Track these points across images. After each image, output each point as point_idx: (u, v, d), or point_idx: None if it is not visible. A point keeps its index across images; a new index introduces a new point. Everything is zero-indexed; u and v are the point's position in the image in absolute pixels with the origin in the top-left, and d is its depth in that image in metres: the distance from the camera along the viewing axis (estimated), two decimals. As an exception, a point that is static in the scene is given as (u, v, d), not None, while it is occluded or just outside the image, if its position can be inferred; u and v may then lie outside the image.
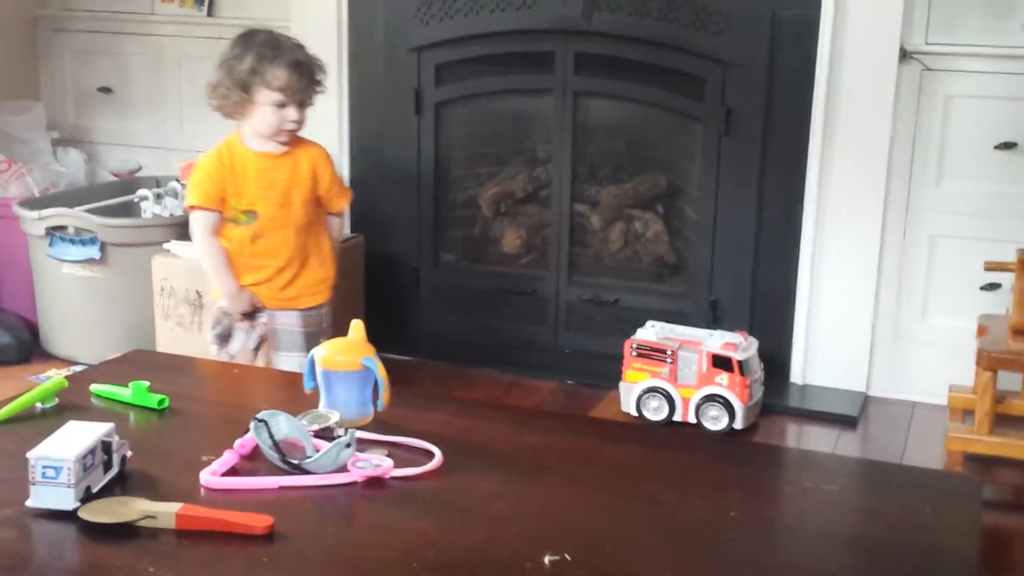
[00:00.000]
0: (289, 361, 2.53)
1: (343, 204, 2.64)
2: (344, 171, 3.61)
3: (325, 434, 1.55)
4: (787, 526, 1.45)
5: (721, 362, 2.90)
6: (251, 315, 2.54)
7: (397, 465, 1.49)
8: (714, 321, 3.29)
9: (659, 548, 1.33)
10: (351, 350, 1.67)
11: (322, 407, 1.63)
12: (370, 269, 3.51)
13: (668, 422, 2.96)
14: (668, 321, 3.11)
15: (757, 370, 3.00)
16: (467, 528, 1.36)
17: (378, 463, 1.48)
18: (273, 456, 1.47)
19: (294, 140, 2.51)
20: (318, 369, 1.65)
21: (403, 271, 3.61)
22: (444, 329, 3.60)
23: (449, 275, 3.64)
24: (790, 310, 3.25)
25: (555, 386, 3.30)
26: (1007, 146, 3.06)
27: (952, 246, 3.16)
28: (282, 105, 2.42)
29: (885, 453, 2.85)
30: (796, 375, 3.26)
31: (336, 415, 1.60)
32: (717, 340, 2.95)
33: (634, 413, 2.99)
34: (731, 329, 3.10)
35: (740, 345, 2.94)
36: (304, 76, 2.44)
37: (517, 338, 3.51)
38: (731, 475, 1.56)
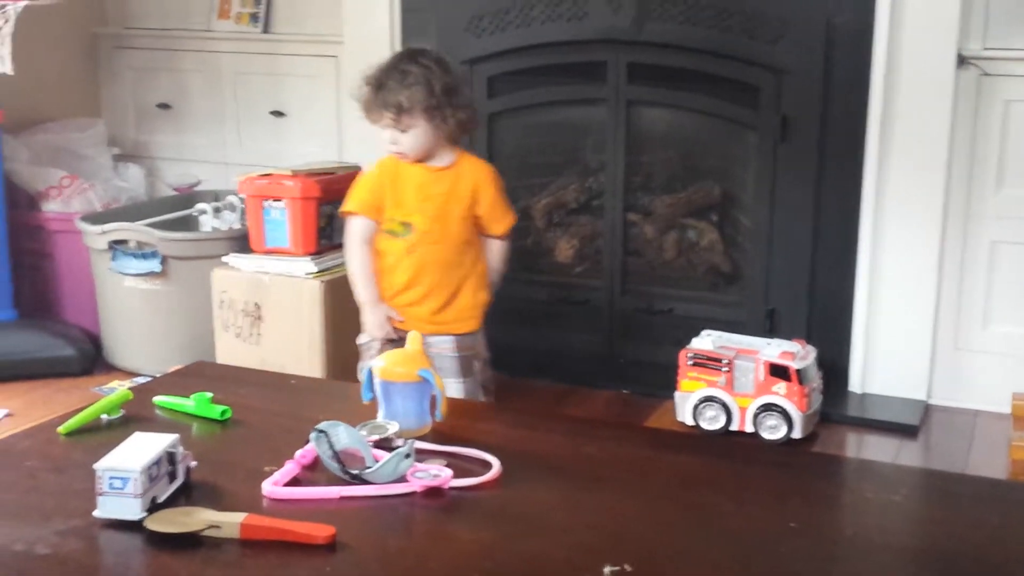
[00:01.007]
0: (452, 387, 2.46)
1: (503, 228, 2.53)
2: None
3: (384, 445, 1.57)
4: (849, 537, 1.43)
5: (778, 371, 2.88)
6: (392, 343, 2.44)
7: (456, 475, 1.49)
8: (771, 330, 3.26)
9: (719, 560, 1.33)
10: (409, 361, 1.68)
11: (381, 418, 1.65)
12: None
13: (725, 432, 2.94)
14: (724, 330, 3.09)
15: (815, 379, 2.97)
16: (526, 538, 1.37)
17: (437, 473, 1.49)
18: (333, 466, 1.49)
19: (460, 157, 2.48)
20: (376, 380, 1.66)
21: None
22: (498, 339, 3.57)
23: (503, 286, 3.63)
24: (848, 318, 3.21)
25: (610, 396, 3.29)
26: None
27: (1013, 252, 3.11)
28: (386, 128, 2.40)
29: (947, 463, 2.81)
30: (855, 384, 3.23)
31: (395, 426, 1.61)
32: (774, 349, 2.93)
33: (690, 423, 2.97)
34: (788, 338, 3.07)
35: (798, 354, 2.92)
36: (380, 101, 2.38)
37: (571, 348, 3.51)
38: (791, 485, 1.55)
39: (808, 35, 3.12)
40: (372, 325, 2.48)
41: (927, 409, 3.15)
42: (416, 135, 2.40)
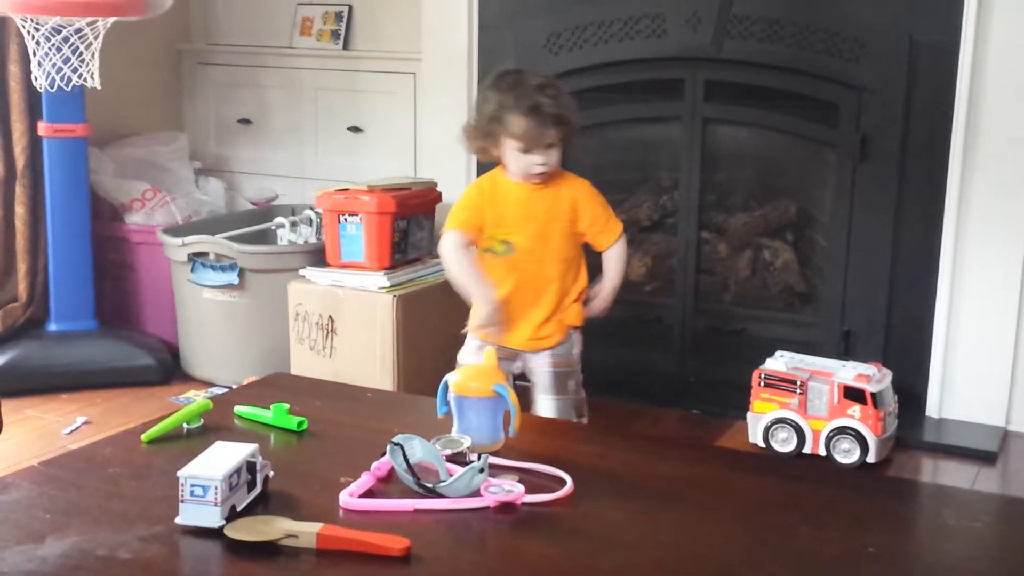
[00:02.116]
0: (546, 404, 2.45)
1: (611, 239, 2.45)
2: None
3: (458, 459, 1.58)
4: (928, 563, 1.41)
5: (853, 394, 2.83)
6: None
7: (528, 491, 1.50)
8: (846, 352, 3.21)
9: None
10: (483, 377, 1.69)
11: (455, 432, 1.66)
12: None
13: (797, 454, 2.90)
14: (798, 351, 3.05)
15: (891, 402, 2.92)
16: (598, 556, 1.37)
17: (510, 488, 1.50)
18: (408, 479, 1.50)
19: (556, 174, 2.41)
20: (451, 395, 1.68)
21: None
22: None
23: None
24: (927, 341, 3.16)
25: (680, 415, 3.27)
26: None
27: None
28: (526, 151, 2.31)
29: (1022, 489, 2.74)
30: (932, 408, 3.17)
31: (468, 440, 1.62)
32: (849, 371, 2.89)
33: (762, 444, 2.94)
34: (864, 360, 3.02)
35: (873, 376, 2.87)
36: (544, 121, 2.29)
37: (642, 366, 3.49)
38: (868, 509, 1.53)
39: (890, 52, 3.08)
40: (482, 315, 2.33)
41: (1007, 435, 3.07)
42: (558, 151, 2.36)
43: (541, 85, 2.34)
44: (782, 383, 2.90)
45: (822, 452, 2.88)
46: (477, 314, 2.37)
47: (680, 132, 3.45)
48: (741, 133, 3.51)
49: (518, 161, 2.33)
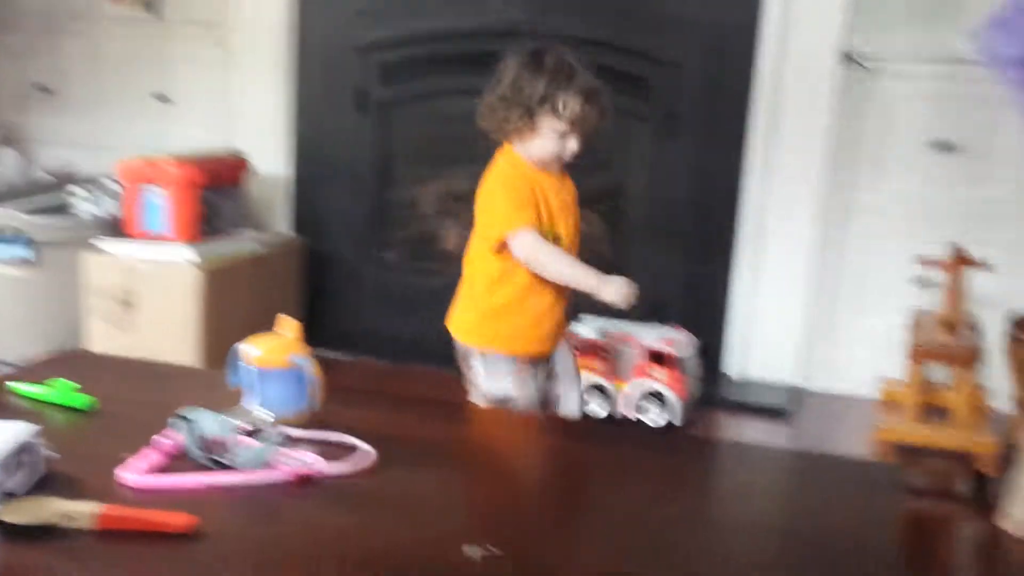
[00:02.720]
0: (572, 393, 2.29)
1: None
2: (286, 171, 3.59)
3: (255, 432, 1.55)
4: (715, 518, 1.46)
5: (658, 357, 2.92)
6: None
7: (329, 462, 1.48)
8: (652, 317, 3.31)
9: (588, 540, 1.34)
10: (283, 348, 1.66)
11: (253, 405, 1.63)
12: (313, 268, 3.50)
13: (607, 418, 2.97)
14: (607, 317, 3.13)
15: (694, 365, 3.02)
16: (396, 523, 1.36)
17: (308, 461, 1.48)
18: (197, 454, 1.46)
19: None
20: (251, 367, 1.64)
21: (346, 270, 3.60)
22: (387, 327, 3.59)
23: (390, 273, 3.63)
24: (728, 307, 3.29)
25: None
26: (942, 147, 3.12)
27: (888, 245, 3.21)
28: (565, 134, 2.13)
29: (819, 445, 2.89)
30: (733, 370, 3.30)
31: (268, 413, 1.59)
32: (654, 335, 2.98)
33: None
34: (669, 325, 3.12)
35: (677, 341, 2.97)
36: (596, 106, 2.14)
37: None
38: (663, 468, 1.58)
39: (697, 31, 3.18)
40: (617, 294, 2.11)
41: (801, 394, 3.24)
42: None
43: (587, 68, 2.15)
44: (591, 348, 2.97)
45: (631, 415, 2.96)
46: (608, 294, 2.11)
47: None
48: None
49: (555, 144, 2.12)
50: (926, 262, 2.82)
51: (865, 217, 3.23)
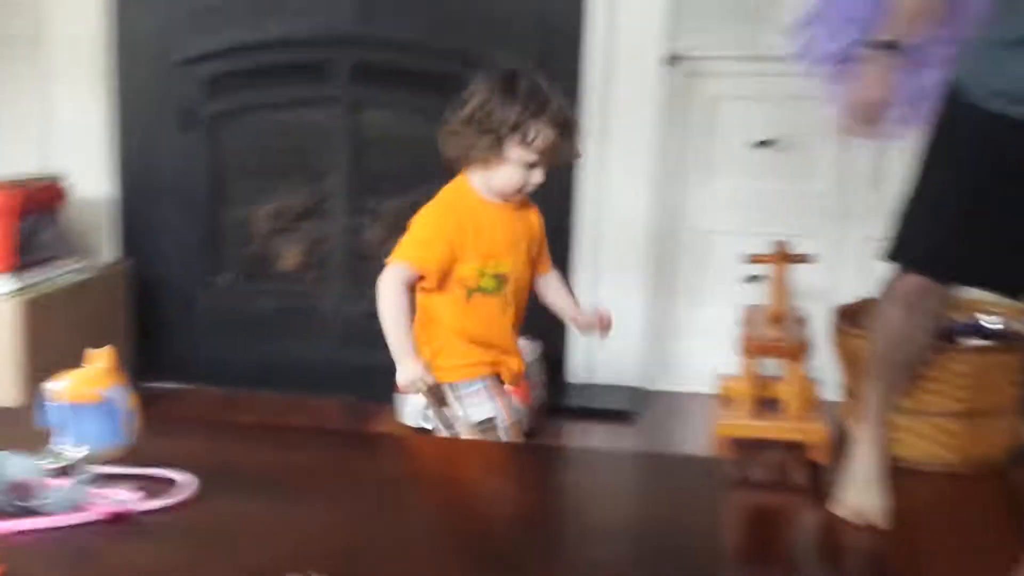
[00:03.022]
0: None
1: (549, 262, 2.22)
2: (111, 192, 3.45)
3: (65, 472, 1.46)
4: (547, 522, 1.45)
5: (502, 367, 2.91)
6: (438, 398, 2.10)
7: (148, 497, 1.41)
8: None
9: (423, 556, 1.32)
10: (93, 381, 1.58)
11: (64, 443, 1.54)
12: (143, 294, 3.37)
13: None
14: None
15: (538, 373, 3.03)
16: (216, 556, 1.31)
17: (123, 498, 1.41)
18: (2, 499, 1.37)
19: None
20: (61, 403, 1.56)
21: (178, 294, 3.48)
22: (221, 353, 3.48)
23: (226, 296, 3.53)
24: (569, 312, 3.31)
25: (340, 403, 3.24)
26: (766, 144, 3.21)
27: (720, 240, 3.29)
28: (533, 165, 2.01)
29: (664, 445, 2.94)
30: (576, 375, 3.33)
31: (79, 450, 1.51)
32: (498, 346, 2.96)
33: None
34: (514, 334, 3.12)
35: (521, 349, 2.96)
36: (569, 138, 2.04)
37: (298, 357, 3.44)
38: (503, 476, 1.56)
39: (525, 35, 3.19)
40: (410, 379, 2.01)
41: (645, 395, 3.28)
42: None
43: (559, 94, 2.04)
44: (434, 362, 2.94)
45: (477, 426, 2.94)
46: (404, 377, 2.02)
47: (329, 117, 3.41)
48: (391, 115, 3.52)
49: (519, 176, 2.00)
50: (754, 258, 2.89)
51: (697, 215, 3.30)
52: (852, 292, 2.95)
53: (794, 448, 2.72)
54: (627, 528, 1.41)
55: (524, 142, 1.98)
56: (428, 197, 3.50)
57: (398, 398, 3.00)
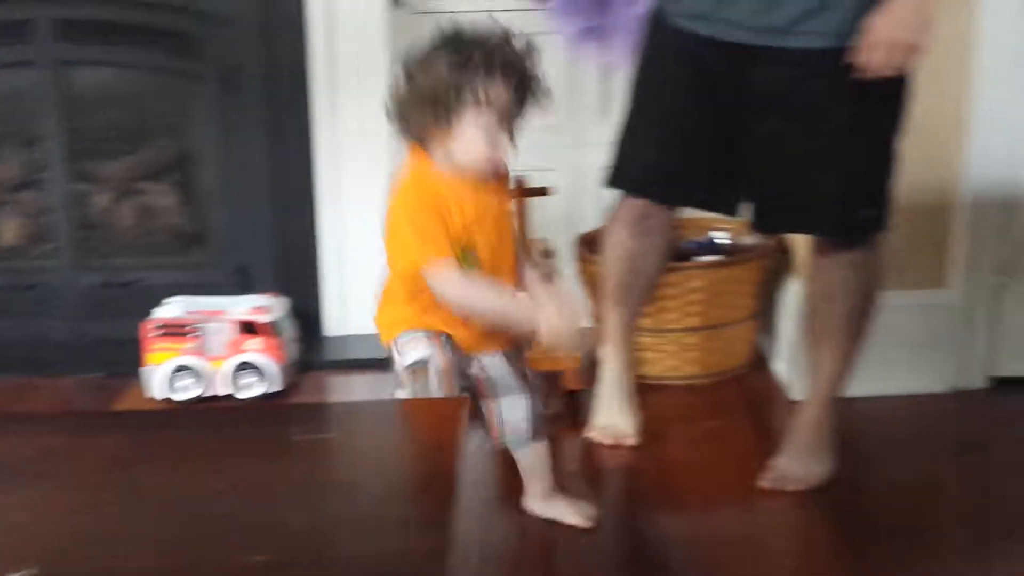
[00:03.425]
0: (515, 407, 2.05)
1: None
2: None
3: None
4: (275, 483, 1.40)
5: (249, 328, 2.82)
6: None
7: None
8: (246, 287, 3.20)
9: (143, 537, 1.24)
10: None
11: None
12: None
13: (204, 398, 2.84)
14: (195, 294, 2.98)
15: (290, 329, 2.96)
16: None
17: None
18: None
19: None
20: None
21: None
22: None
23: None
24: (319, 265, 3.24)
25: (78, 382, 3.05)
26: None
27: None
28: (493, 129, 1.83)
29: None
30: (333, 328, 3.27)
31: None
32: (243, 306, 2.88)
33: (164, 396, 2.84)
34: (263, 292, 3.03)
35: (268, 307, 2.89)
36: (527, 90, 1.85)
37: (27, 336, 3.21)
38: (229, 443, 1.50)
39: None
40: (553, 324, 1.85)
41: (401, 341, 3.26)
42: None
43: (513, 45, 1.85)
44: (176, 329, 2.82)
45: (229, 391, 2.85)
46: (547, 324, 1.85)
47: (36, 78, 3.17)
48: (105, 74, 3.31)
49: (478, 144, 1.83)
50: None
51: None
52: (593, 220, 3.01)
53: (550, 378, 2.77)
54: (364, 480, 1.38)
55: (478, 103, 1.80)
56: (154, 157, 3.37)
57: (144, 371, 2.85)
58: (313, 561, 1.17)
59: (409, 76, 1.85)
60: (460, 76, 1.80)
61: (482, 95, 1.80)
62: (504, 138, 1.86)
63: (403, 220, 1.88)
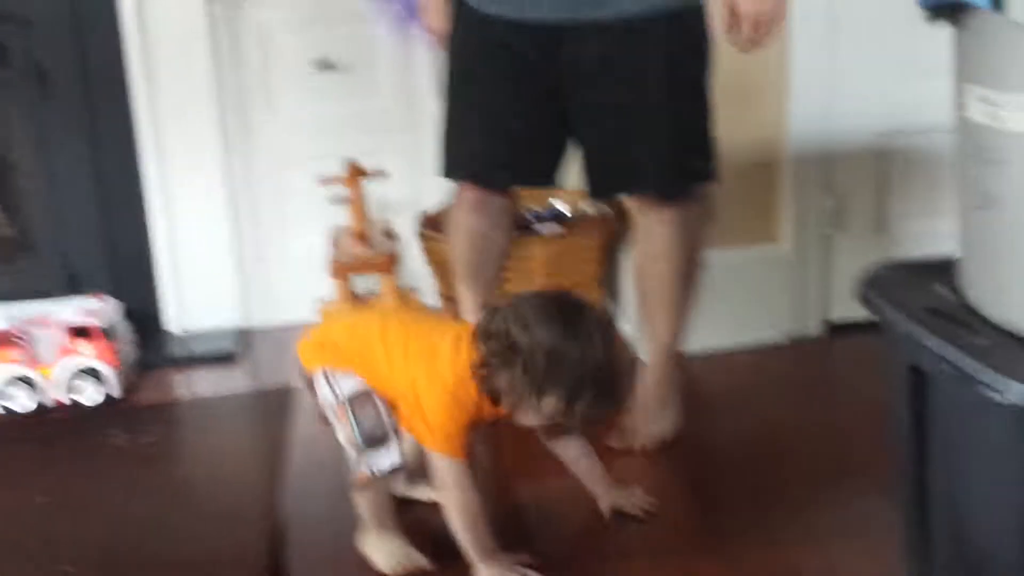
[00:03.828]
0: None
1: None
2: None
3: None
4: (92, 498, 1.36)
5: (81, 332, 2.72)
6: None
7: None
8: (78, 292, 3.08)
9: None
10: None
11: None
12: None
13: (39, 409, 2.72)
14: (14, 301, 2.86)
15: (125, 331, 2.86)
16: None
17: None
18: None
19: None
20: None
21: None
22: None
23: None
24: (153, 263, 3.16)
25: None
26: (325, 65, 3.17)
27: (298, 168, 3.23)
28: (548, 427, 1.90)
29: (271, 380, 2.86)
30: (173, 325, 3.18)
31: None
32: (73, 310, 2.77)
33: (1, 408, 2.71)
34: (91, 295, 2.93)
35: (100, 310, 2.78)
36: (602, 416, 1.88)
37: None
38: (46, 456, 1.44)
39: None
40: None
41: (247, 334, 3.19)
42: None
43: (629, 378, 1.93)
44: (3, 339, 2.69)
45: (66, 400, 2.74)
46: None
47: None
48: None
49: (533, 423, 1.86)
50: (325, 180, 2.87)
51: (267, 143, 3.22)
52: (434, 199, 3.00)
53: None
54: (185, 480, 1.35)
55: (561, 412, 1.81)
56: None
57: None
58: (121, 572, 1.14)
59: (531, 352, 1.78)
60: (570, 395, 1.79)
61: (576, 416, 1.82)
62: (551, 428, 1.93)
63: (440, 409, 1.85)
